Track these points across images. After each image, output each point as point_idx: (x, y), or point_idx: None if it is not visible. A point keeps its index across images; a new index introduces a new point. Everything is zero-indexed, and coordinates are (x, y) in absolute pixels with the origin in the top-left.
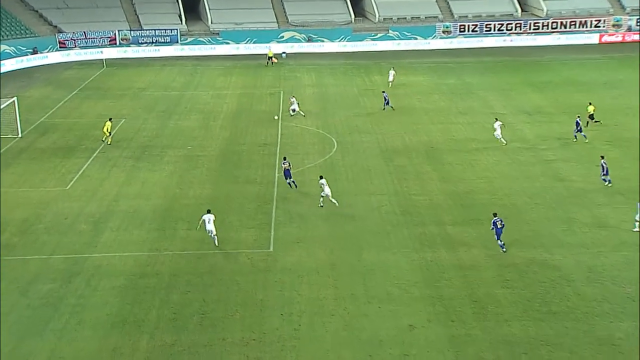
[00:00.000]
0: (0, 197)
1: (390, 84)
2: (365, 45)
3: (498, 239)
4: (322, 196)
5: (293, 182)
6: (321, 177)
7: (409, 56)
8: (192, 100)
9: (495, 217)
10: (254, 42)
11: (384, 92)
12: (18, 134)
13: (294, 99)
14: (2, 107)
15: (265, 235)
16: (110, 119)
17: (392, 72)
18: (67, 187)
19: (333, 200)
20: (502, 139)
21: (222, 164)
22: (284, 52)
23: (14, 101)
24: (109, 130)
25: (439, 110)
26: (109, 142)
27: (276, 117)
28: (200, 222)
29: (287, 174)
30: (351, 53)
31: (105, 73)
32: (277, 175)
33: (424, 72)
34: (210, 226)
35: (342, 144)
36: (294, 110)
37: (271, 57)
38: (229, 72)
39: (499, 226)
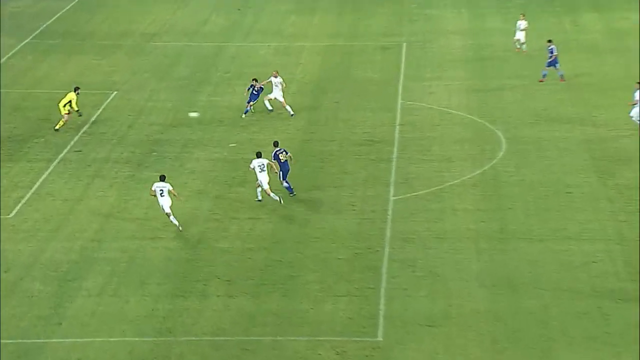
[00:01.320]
0: None
1: (519, 43)
2: None
3: None
4: (259, 187)
5: (289, 186)
6: (258, 155)
7: None
8: (238, 59)
9: None
10: None
11: (550, 44)
12: None
13: (523, 22)
14: None
15: (369, 310)
16: (75, 90)
17: (522, 22)
18: (11, 215)
19: (273, 197)
20: None
21: (292, 179)
22: None
23: None
24: (71, 108)
25: None
26: (56, 128)
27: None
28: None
29: (284, 169)
30: None
31: (83, 4)
32: (392, 197)
33: None
34: (164, 201)
35: (516, 141)
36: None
37: None
38: (307, 8)
39: None
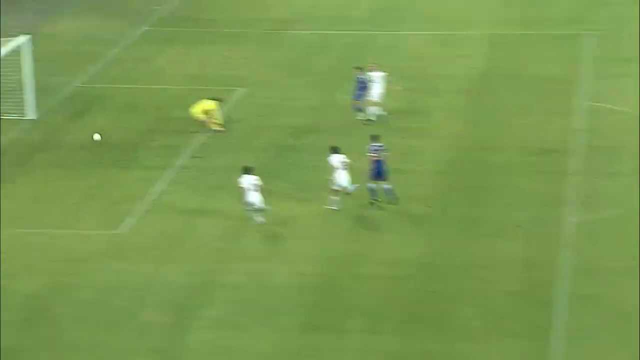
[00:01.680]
0: None
1: None
2: None
3: None
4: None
5: (390, 191)
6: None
7: None
8: (387, 49)
9: None
10: None
11: None
12: (27, 113)
13: None
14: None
15: (540, 354)
16: (216, 99)
17: None
18: (121, 230)
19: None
20: None
21: (447, 194)
22: None
23: (25, 43)
24: (213, 118)
25: None
26: (215, 129)
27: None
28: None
29: (378, 170)
30: None
31: None
32: (570, 219)
33: None
34: (256, 197)
35: None
36: None
37: None
38: None
39: None
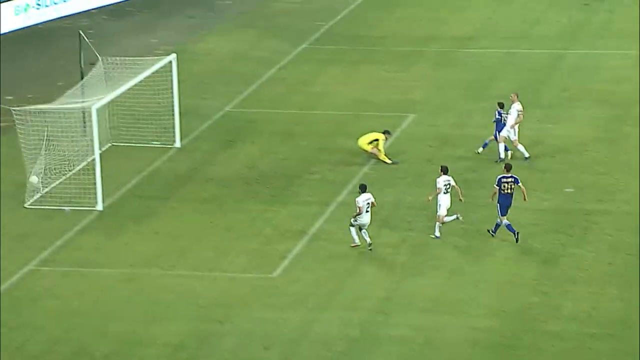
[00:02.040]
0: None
1: None
2: None
3: None
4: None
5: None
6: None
7: None
8: (581, 72)
9: None
10: None
11: None
12: (175, 142)
13: None
14: (141, 76)
15: None
16: (386, 132)
17: None
18: (275, 273)
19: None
20: None
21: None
22: None
23: (170, 63)
24: (381, 151)
25: None
26: (388, 161)
27: None
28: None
29: (505, 202)
30: None
31: (368, 3)
32: None
33: None
34: (366, 219)
35: None
36: None
37: None
38: None
39: None
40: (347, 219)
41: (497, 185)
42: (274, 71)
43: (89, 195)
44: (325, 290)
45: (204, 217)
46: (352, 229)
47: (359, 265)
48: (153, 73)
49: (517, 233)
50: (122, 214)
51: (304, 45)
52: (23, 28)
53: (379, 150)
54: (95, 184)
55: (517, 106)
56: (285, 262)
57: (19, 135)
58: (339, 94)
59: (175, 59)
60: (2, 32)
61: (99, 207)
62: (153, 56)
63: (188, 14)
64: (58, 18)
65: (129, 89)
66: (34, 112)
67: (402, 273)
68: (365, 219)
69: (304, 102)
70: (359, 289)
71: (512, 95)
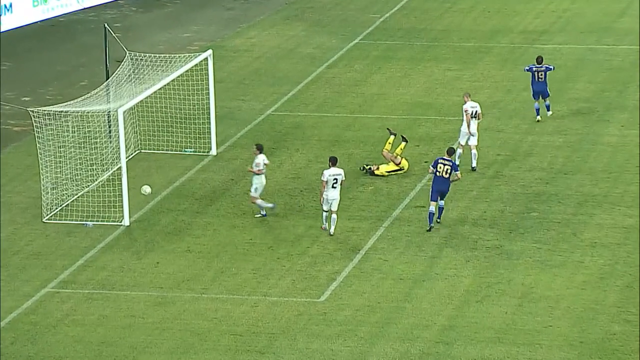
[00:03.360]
0: None
1: None
2: None
3: None
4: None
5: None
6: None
7: None
8: None
9: None
10: None
11: None
12: (210, 149)
13: None
14: (173, 75)
15: None
16: (403, 139)
17: None
18: (322, 298)
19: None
20: None
21: None
22: None
23: (206, 60)
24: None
25: None
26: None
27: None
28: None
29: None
30: None
31: None
32: None
33: None
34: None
35: None
36: None
37: None
38: None
39: None
40: (403, 237)
41: (432, 167)
42: (322, 70)
43: (114, 209)
44: (379, 317)
45: (243, 234)
46: (324, 214)
47: (417, 289)
48: (186, 72)
49: (438, 221)
50: (151, 230)
51: (356, 41)
52: (42, 21)
53: (396, 154)
54: (121, 195)
55: (465, 106)
56: (334, 286)
57: (37, 141)
58: (393, 96)
59: (211, 56)
60: (18, 25)
61: (126, 222)
62: (186, 53)
63: (226, 5)
64: (81, 10)
65: (159, 90)
66: (54, 115)
67: (466, 298)
68: (331, 194)
69: (355, 104)
70: (417, 315)
71: (464, 96)
